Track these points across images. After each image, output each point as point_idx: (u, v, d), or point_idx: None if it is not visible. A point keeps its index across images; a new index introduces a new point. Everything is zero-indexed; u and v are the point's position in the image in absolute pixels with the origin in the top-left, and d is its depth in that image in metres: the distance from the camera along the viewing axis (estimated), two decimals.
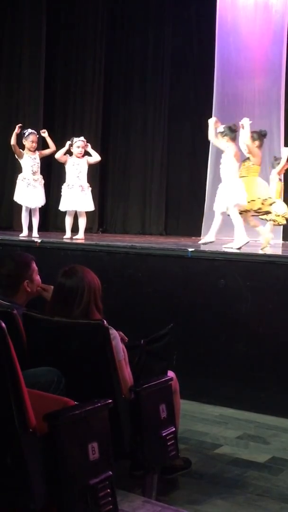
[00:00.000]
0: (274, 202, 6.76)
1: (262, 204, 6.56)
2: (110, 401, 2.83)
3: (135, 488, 3.38)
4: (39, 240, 6.95)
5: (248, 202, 6.47)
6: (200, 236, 9.67)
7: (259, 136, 6.80)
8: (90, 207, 7.87)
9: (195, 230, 9.91)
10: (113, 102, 11.69)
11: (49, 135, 8.01)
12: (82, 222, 7.83)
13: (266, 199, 6.58)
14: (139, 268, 6.09)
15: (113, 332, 3.25)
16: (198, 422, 5.00)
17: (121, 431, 3.12)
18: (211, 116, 10.29)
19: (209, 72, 10.58)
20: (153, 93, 11.62)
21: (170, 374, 3.69)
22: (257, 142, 6.70)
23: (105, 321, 3.16)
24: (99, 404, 2.78)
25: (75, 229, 7.86)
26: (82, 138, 7.83)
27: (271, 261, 5.49)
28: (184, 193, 11.66)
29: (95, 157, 7.82)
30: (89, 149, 7.82)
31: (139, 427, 3.24)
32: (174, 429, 3.44)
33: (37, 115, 10.22)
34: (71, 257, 6.43)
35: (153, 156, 11.31)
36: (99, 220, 11.37)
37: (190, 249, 5.96)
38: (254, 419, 5.11)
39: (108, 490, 2.67)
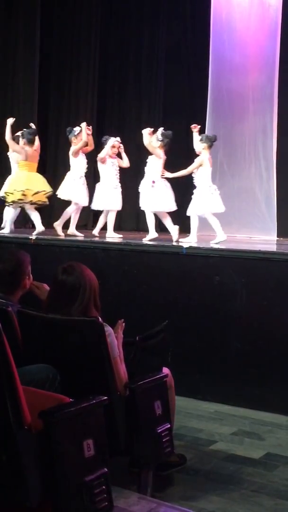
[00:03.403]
0: (36, 193, 7.34)
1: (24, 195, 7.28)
2: (105, 398, 2.83)
3: (131, 485, 3.38)
4: (34, 237, 6.94)
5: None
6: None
7: (24, 135, 7.57)
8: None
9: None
10: (107, 99, 11.66)
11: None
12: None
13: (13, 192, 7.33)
14: (134, 265, 6.09)
15: (108, 329, 3.26)
16: (193, 419, 5.01)
17: (116, 428, 3.13)
18: (205, 113, 10.34)
19: (204, 68, 10.55)
20: (147, 90, 11.58)
21: (165, 370, 3.69)
22: (24, 140, 7.54)
23: (100, 318, 3.16)
24: (94, 401, 2.78)
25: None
26: (118, 138, 7.78)
27: (266, 257, 5.49)
28: (179, 190, 11.63)
29: (125, 162, 7.77)
30: (122, 152, 7.79)
31: (134, 424, 3.25)
32: (169, 425, 3.45)
33: (31, 112, 10.17)
34: (66, 253, 6.43)
35: (148, 153, 11.29)
36: (93, 216, 11.35)
37: (185, 246, 5.96)
38: (249, 416, 5.12)
39: (104, 487, 2.67)
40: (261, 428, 4.85)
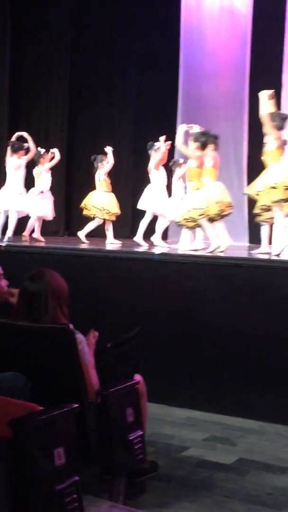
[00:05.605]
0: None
1: None
2: (76, 405, 2.81)
3: (103, 493, 3.36)
4: (4, 244, 6.89)
5: None
6: (167, 239, 9.67)
7: None
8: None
9: (165, 233, 9.90)
10: (79, 107, 11.65)
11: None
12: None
13: None
14: (105, 272, 6.07)
15: (80, 336, 3.23)
16: (166, 425, 5.00)
17: (87, 436, 3.11)
18: (176, 120, 10.38)
19: (175, 75, 10.62)
20: (119, 97, 11.61)
21: (137, 377, 3.68)
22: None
23: (70, 325, 3.14)
24: (65, 409, 2.76)
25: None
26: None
27: (238, 264, 5.52)
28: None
29: None
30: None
31: (106, 431, 3.22)
32: (141, 432, 3.43)
33: (1, 124, 10.12)
34: (37, 260, 6.38)
35: (120, 159, 11.29)
36: (65, 223, 11.33)
37: (157, 252, 5.97)
38: (221, 421, 5.13)
39: (75, 496, 2.65)
40: (233, 434, 4.86)
